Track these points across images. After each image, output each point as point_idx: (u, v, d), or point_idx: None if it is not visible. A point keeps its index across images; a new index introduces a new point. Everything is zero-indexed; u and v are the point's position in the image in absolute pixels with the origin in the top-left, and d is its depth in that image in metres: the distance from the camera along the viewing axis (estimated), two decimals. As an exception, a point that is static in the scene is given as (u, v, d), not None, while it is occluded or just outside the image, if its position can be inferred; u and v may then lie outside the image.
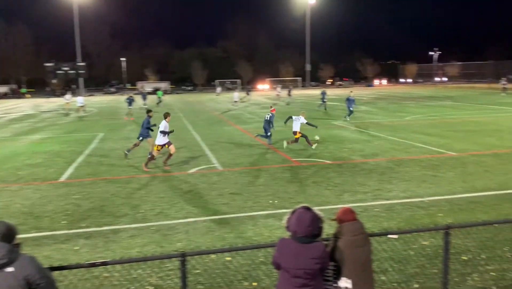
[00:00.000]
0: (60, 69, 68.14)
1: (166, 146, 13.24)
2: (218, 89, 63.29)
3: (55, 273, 3.63)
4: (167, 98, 56.80)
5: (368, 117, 25.61)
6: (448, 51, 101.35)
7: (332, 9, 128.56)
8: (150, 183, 11.58)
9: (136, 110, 32.38)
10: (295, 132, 16.39)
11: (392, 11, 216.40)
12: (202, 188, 10.98)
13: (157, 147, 13.17)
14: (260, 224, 8.25)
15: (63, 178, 12.43)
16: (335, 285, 3.90)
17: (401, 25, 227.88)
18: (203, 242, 7.38)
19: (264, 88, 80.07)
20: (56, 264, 5.23)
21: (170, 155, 13.44)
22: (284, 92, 49.77)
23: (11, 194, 10.73)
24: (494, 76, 74.64)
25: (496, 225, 6.95)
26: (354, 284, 3.83)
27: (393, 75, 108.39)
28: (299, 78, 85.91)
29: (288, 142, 16.50)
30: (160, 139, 13.12)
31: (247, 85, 79.91)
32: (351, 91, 25.90)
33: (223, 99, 51.60)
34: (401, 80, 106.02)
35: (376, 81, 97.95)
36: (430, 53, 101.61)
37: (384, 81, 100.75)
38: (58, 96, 65.45)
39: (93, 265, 4.01)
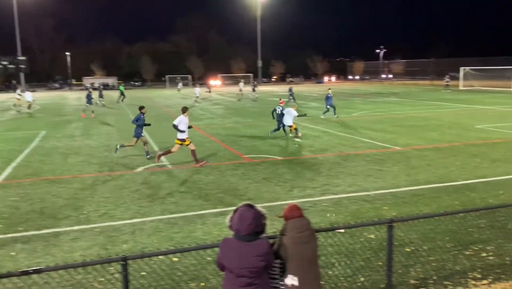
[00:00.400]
0: (-2, 64, 64.61)
1: (186, 142, 12.77)
2: (180, 84, 62.08)
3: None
4: (114, 94, 55.00)
5: (318, 114, 26.02)
6: (394, 48, 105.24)
7: (282, 7, 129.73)
8: (95, 183, 11.13)
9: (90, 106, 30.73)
10: (290, 126, 17.11)
11: (341, 10, 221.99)
12: (150, 187, 10.70)
13: (179, 142, 12.80)
14: (210, 222, 8.13)
15: (0, 179, 11.72)
16: (282, 282, 3.88)
17: (349, 24, 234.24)
18: (150, 243, 7.18)
19: (216, 84, 79.41)
20: (-13, 272, 4.86)
21: (170, 151, 13.13)
22: (247, 88, 47.80)
23: None
24: (436, 74, 78.30)
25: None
26: (300, 281, 3.82)
27: (342, 72, 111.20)
28: (250, 74, 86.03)
29: (297, 136, 16.92)
30: (181, 135, 12.75)
31: (198, 80, 78.93)
32: (329, 89, 25.96)
33: (171, 94, 50.66)
34: (350, 77, 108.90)
35: (325, 78, 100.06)
36: (377, 51, 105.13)
37: (334, 78, 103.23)
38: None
39: (26, 273, 3.74)
